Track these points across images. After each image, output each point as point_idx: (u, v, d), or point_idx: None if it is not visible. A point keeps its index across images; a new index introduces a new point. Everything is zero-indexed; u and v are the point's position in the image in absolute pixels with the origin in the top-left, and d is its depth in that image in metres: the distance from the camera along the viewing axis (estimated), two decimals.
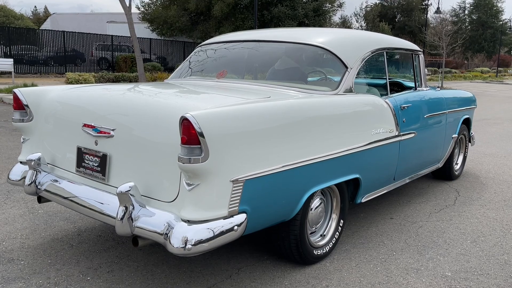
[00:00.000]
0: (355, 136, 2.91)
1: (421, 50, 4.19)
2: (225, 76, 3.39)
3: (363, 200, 3.20)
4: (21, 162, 2.90)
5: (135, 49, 10.14)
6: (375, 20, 46.28)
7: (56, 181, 2.63)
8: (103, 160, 2.44)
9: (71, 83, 16.02)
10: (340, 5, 29.79)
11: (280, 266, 2.77)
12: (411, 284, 2.62)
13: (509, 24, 50.79)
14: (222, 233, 2.08)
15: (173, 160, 2.09)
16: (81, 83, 16.24)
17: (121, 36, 23.10)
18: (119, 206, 2.14)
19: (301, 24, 26.20)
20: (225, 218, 2.11)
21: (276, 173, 2.31)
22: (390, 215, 3.76)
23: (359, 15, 49.94)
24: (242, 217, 2.17)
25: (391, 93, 3.53)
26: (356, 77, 3.14)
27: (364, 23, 48.42)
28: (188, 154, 2.00)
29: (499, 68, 46.17)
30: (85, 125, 2.51)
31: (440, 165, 4.50)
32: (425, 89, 4.12)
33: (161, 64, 23.49)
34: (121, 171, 2.38)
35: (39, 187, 2.66)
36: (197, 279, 2.58)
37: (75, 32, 21.68)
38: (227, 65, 3.55)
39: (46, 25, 36.43)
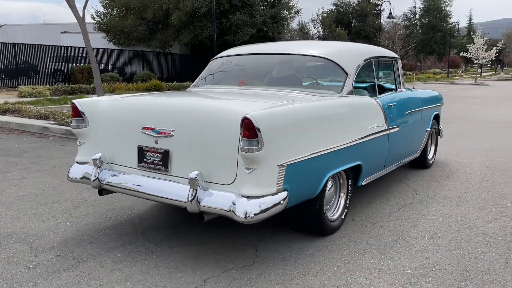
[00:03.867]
0: (358, 129, 3.56)
1: (399, 56, 4.86)
2: (246, 84, 3.99)
3: (363, 183, 3.78)
4: (77, 162, 3.36)
5: (91, 60, 9.87)
6: (332, 25, 47.39)
7: (117, 176, 3.11)
8: (165, 155, 2.94)
9: (24, 96, 15.40)
10: (297, 12, 30.32)
11: (245, 275, 2.77)
12: (374, 283, 2.69)
13: (457, 27, 53.36)
14: (273, 205, 2.65)
15: (231, 151, 2.67)
16: (35, 96, 15.66)
17: (77, 46, 22.47)
18: (190, 189, 2.67)
19: (259, 31, 26.40)
20: (273, 194, 2.68)
21: (307, 159, 2.91)
22: (352, 217, 3.85)
23: (316, 21, 50.98)
24: (285, 194, 2.75)
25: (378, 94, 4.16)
26: None
27: (321, 28, 49.46)
28: (248, 145, 2.56)
29: (450, 69, 48.36)
30: (144, 127, 3.00)
31: (417, 154, 5.20)
32: (403, 90, 4.84)
33: (120, 74, 23.02)
34: (182, 163, 2.89)
35: (102, 181, 3.14)
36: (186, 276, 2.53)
37: (27, 44, 20.88)
38: (244, 75, 4.15)
39: None
